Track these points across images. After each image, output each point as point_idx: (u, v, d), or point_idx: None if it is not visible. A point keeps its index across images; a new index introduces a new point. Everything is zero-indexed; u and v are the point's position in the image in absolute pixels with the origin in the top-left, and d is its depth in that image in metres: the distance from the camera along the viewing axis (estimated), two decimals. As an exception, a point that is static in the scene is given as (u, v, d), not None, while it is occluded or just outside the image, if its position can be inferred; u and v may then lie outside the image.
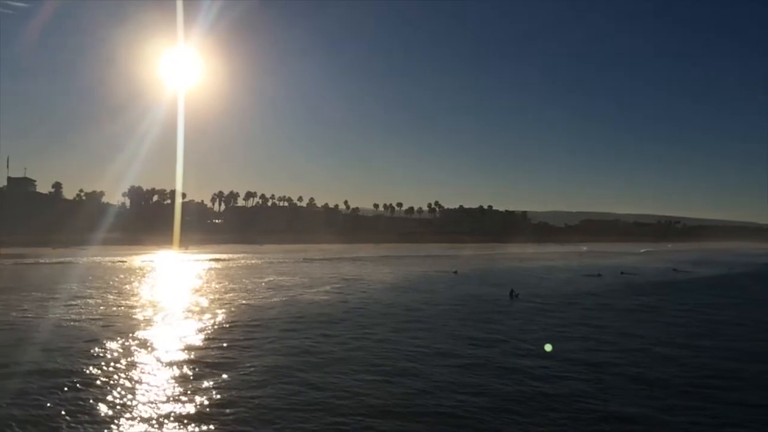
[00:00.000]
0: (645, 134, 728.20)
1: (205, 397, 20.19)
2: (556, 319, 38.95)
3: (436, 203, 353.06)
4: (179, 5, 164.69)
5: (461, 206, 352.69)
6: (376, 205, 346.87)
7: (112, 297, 48.64)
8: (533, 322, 37.80)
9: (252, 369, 24.02)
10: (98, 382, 21.83)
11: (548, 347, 28.67)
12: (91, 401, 19.52)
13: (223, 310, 41.05)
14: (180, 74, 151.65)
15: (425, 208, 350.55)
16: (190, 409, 18.97)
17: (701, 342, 31.55)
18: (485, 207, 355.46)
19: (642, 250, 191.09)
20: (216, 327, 34.16)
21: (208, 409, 18.93)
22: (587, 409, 19.30)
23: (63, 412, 18.44)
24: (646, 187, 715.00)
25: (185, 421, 17.87)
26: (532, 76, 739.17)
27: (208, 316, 38.48)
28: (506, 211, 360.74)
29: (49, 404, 19.27)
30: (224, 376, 22.92)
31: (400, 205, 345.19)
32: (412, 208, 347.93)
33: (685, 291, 61.02)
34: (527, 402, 20.01)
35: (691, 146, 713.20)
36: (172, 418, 18.09)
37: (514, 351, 28.36)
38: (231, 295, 50.98)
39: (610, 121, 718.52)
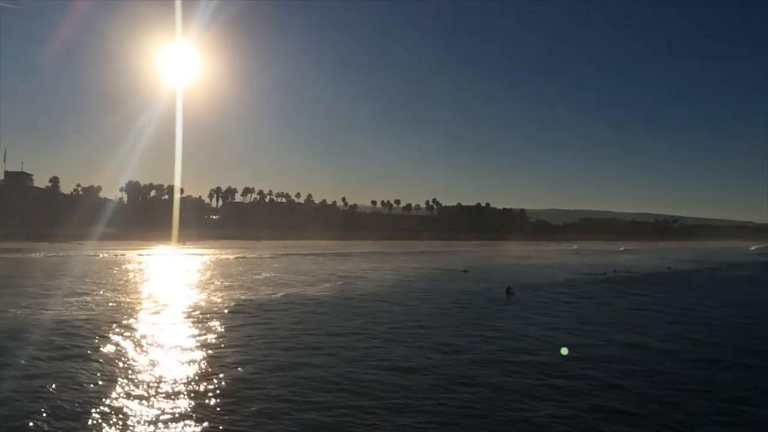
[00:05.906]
0: (644, 133, 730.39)
1: (204, 391, 20.46)
2: (548, 317, 39.26)
3: (434, 200, 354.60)
4: (177, 1, 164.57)
5: (459, 204, 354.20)
6: (373, 202, 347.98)
7: (109, 292, 48.73)
8: (531, 319, 38.13)
9: (259, 363, 24.27)
10: (95, 375, 22.02)
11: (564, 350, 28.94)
12: (88, 392, 19.70)
13: (222, 308, 41.18)
14: (178, 70, 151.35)
15: (423, 205, 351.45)
16: (188, 404, 19.22)
17: (696, 336, 31.68)
18: (483, 204, 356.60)
19: (621, 248, 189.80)
20: (212, 322, 34.32)
21: (209, 405, 19.19)
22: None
23: (61, 407, 18.60)
24: (644, 187, 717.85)
25: (183, 417, 18.11)
26: (531, 75, 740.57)
27: (203, 310, 38.61)
28: (504, 209, 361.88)
29: (46, 396, 19.42)
30: (220, 372, 23.19)
31: (398, 202, 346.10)
32: (409, 206, 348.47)
33: (676, 288, 61.86)
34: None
35: (690, 146, 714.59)
36: (172, 413, 18.31)
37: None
38: (229, 292, 51.01)
39: (610, 120, 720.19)
